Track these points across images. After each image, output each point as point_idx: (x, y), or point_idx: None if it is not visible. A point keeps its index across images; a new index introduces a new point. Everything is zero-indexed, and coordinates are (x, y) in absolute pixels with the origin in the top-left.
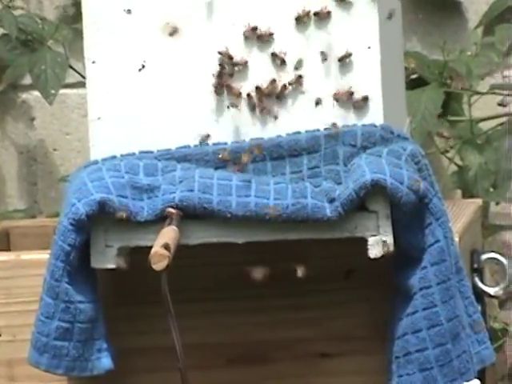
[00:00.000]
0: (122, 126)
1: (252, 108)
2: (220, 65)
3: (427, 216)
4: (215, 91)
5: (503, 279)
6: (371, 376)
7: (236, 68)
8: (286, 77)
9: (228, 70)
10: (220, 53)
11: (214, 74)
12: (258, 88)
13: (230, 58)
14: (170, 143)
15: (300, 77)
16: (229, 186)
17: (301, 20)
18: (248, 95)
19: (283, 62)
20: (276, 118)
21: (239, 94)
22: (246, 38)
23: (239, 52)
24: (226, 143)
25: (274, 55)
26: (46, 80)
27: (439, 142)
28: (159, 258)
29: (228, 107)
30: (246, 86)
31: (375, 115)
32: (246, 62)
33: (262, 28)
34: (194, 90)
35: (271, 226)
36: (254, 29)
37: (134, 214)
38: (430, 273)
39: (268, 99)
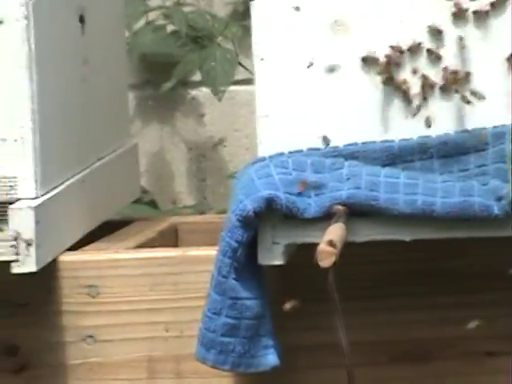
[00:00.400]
0: (290, 123)
1: (420, 104)
2: (387, 58)
3: None
4: (384, 85)
5: None
6: None
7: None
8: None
9: (395, 63)
10: (391, 47)
11: (381, 70)
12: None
13: (401, 51)
14: (337, 140)
15: (468, 74)
16: (396, 183)
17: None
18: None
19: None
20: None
21: (407, 89)
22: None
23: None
24: (393, 141)
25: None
26: (216, 76)
27: None
28: (326, 255)
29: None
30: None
31: None
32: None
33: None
34: (362, 87)
35: (438, 223)
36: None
37: (301, 210)
38: None
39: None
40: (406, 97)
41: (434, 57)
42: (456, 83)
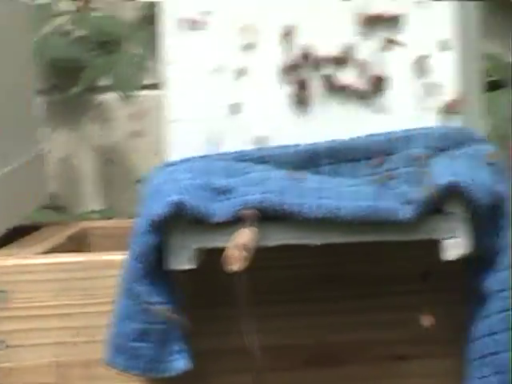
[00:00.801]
0: (199, 127)
1: (331, 107)
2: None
3: (502, 218)
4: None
5: None
6: (448, 379)
7: (315, 67)
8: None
9: (306, 68)
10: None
11: (291, 73)
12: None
13: (305, 57)
14: (247, 145)
15: (379, 79)
16: (305, 187)
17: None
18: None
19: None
20: (355, 119)
21: (317, 94)
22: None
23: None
24: (302, 145)
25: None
26: (124, 81)
27: None
28: (236, 260)
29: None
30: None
31: (453, 117)
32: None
33: None
34: (273, 92)
35: (347, 228)
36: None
37: (210, 215)
38: (506, 275)
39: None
40: (311, 101)
41: (344, 62)
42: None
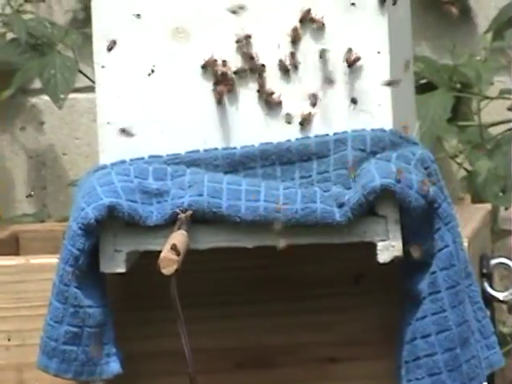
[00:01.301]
0: (131, 130)
1: (262, 111)
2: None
3: (436, 221)
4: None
5: None
6: (380, 381)
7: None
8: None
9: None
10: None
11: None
12: (264, 93)
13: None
14: (179, 148)
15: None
16: (238, 190)
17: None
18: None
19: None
20: (285, 123)
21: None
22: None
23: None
24: (235, 148)
25: (280, 62)
26: (56, 84)
27: (448, 147)
28: (168, 263)
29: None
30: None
31: (385, 120)
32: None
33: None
34: (203, 95)
35: (282, 230)
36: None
37: (143, 218)
38: (439, 278)
39: (276, 103)
40: (248, 105)
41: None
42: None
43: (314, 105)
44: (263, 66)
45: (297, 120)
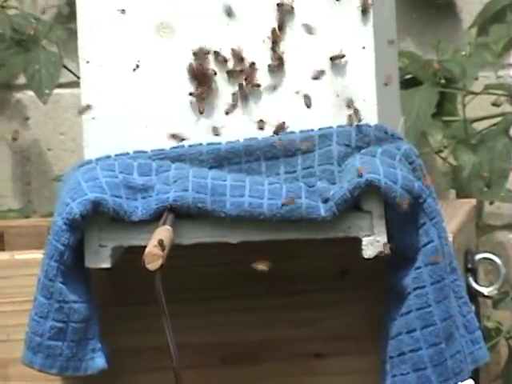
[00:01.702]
0: (116, 125)
1: (244, 107)
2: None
3: (421, 216)
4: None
5: (497, 279)
6: (365, 376)
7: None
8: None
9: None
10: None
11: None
12: (247, 86)
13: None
14: (163, 143)
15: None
16: (223, 185)
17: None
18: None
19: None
20: (267, 117)
21: (233, 94)
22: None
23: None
24: (219, 143)
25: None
26: (40, 80)
27: (433, 142)
28: (153, 258)
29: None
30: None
31: (369, 115)
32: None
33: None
34: (188, 90)
35: (265, 225)
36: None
37: (128, 213)
38: (424, 273)
39: (259, 98)
40: (234, 99)
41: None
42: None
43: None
44: (253, 63)
45: (270, 128)
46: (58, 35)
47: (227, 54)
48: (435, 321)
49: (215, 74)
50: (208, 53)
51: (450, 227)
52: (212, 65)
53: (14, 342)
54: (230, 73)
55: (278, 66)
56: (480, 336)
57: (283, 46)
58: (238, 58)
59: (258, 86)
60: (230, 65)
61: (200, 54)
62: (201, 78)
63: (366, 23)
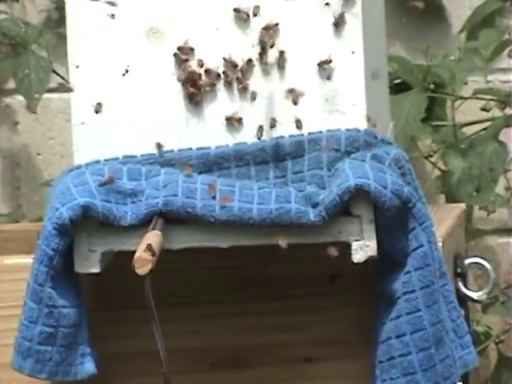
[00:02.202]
0: (106, 130)
1: (233, 112)
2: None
3: (411, 221)
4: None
5: (486, 284)
6: (355, 381)
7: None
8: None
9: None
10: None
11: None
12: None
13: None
14: (153, 148)
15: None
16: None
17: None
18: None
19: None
20: (256, 122)
21: (223, 98)
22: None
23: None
24: (209, 148)
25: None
26: (30, 84)
27: (422, 147)
28: (143, 263)
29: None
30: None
31: (359, 120)
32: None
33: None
34: (178, 95)
35: (255, 230)
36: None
37: (117, 218)
38: (414, 277)
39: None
40: (224, 105)
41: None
42: None
43: (295, 103)
44: (242, 68)
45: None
46: (47, 40)
47: (217, 59)
48: (425, 325)
49: (203, 77)
50: (192, 50)
51: (440, 232)
52: (201, 69)
53: (3, 346)
54: (218, 76)
55: (267, 70)
56: (469, 340)
57: (273, 51)
58: (228, 62)
59: (245, 88)
60: (220, 69)
61: (184, 52)
62: (190, 81)
63: (355, 27)
